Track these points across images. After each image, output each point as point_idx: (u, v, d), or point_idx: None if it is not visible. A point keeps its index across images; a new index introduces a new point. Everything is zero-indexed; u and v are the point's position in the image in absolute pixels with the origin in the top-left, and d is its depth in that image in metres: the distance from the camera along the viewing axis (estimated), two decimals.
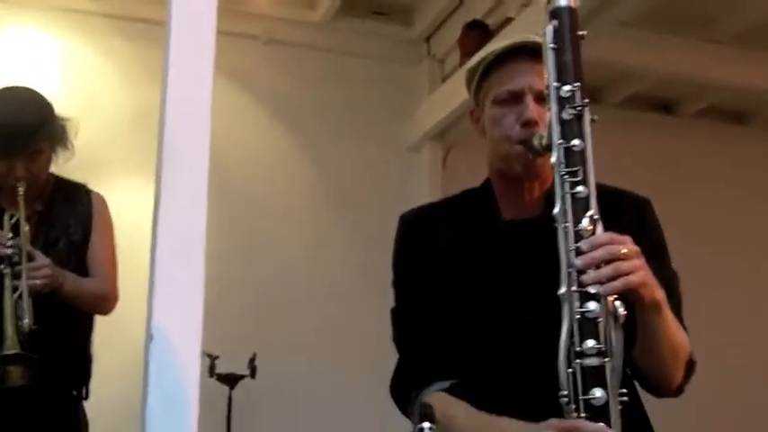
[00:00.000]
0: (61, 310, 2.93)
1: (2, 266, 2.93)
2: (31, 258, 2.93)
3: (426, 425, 1.46)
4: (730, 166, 7.17)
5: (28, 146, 2.99)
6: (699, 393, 2.11)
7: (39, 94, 3.08)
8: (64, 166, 3.21)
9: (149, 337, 1.96)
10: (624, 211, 2.04)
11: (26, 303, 2.88)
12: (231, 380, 5.28)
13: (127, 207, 3.34)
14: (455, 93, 5.98)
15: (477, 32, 5.88)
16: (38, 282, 2.89)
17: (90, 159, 3.24)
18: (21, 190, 2.97)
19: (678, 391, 2.02)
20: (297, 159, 6.35)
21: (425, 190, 6.23)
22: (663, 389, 2.00)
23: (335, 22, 6.41)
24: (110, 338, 3.34)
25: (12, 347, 2.88)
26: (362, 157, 6.44)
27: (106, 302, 3.13)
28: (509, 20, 5.60)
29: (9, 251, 2.92)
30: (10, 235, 2.96)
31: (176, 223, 2.02)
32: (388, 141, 6.55)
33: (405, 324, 2.16)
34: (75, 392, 3.09)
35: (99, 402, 3.21)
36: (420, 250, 2.17)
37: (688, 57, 6.03)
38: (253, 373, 5.36)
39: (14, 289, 2.90)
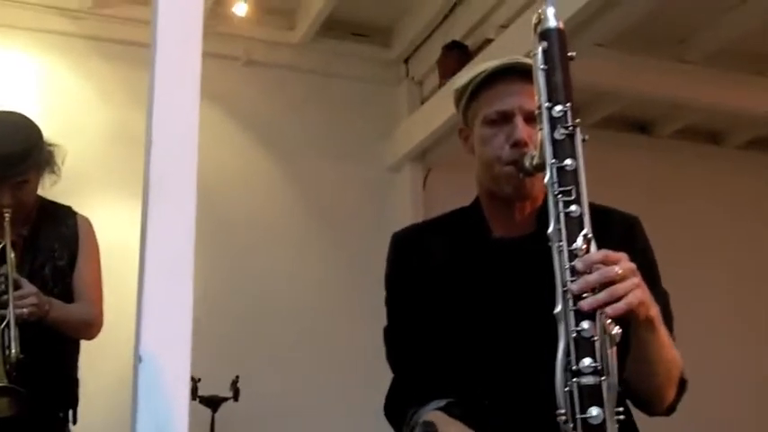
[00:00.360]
0: (47, 336, 2.92)
1: None
2: (17, 287, 2.91)
3: None
4: (707, 185, 7.24)
5: (15, 175, 2.98)
6: (685, 406, 2.11)
7: (28, 120, 3.08)
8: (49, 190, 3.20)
9: (138, 359, 1.96)
10: (613, 230, 2.05)
11: (13, 332, 2.87)
12: (214, 402, 5.23)
13: (107, 226, 3.33)
14: (434, 114, 6.01)
15: (457, 53, 5.90)
16: (25, 310, 2.89)
17: (69, 179, 3.22)
18: (7, 217, 2.96)
19: (670, 410, 2.03)
20: (278, 180, 6.35)
21: (407, 210, 6.25)
22: (655, 407, 2.00)
23: (315, 44, 6.41)
24: (95, 361, 3.31)
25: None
26: (343, 176, 6.45)
27: (91, 328, 3.13)
28: (488, 41, 5.62)
29: None
30: None
31: (164, 246, 2.01)
32: (368, 161, 6.56)
33: (398, 342, 2.17)
34: (62, 415, 3.06)
35: (87, 426, 3.18)
36: (412, 268, 2.18)
37: (663, 78, 6.07)
38: (236, 396, 5.31)
39: (1, 318, 2.89)
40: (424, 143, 6.25)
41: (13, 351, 2.85)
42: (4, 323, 2.88)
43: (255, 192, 6.27)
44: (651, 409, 2.01)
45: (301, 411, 5.93)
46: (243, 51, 6.22)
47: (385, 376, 4.93)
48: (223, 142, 5.90)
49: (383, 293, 2.30)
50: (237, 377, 5.36)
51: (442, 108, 5.85)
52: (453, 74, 5.75)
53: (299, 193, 6.39)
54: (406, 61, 6.76)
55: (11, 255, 2.95)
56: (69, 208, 3.25)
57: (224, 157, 5.86)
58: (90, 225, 3.25)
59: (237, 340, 5.70)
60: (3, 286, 2.91)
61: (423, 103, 6.54)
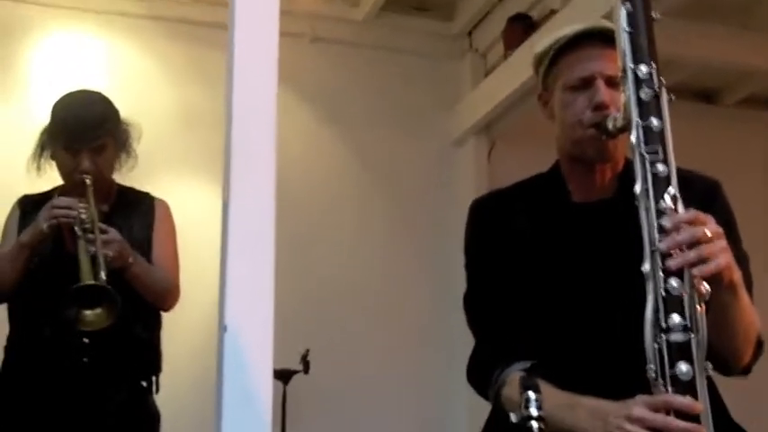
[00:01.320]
0: (130, 305, 2.97)
1: (76, 228, 2.97)
2: (103, 231, 2.98)
3: (531, 394, 1.48)
4: None
5: (93, 138, 3.05)
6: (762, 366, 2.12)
7: (105, 96, 3.16)
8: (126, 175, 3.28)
9: (223, 329, 2.00)
10: (695, 193, 2.04)
11: (101, 265, 2.91)
12: (285, 375, 5.31)
13: (177, 206, 3.38)
14: (499, 86, 6.00)
15: (521, 25, 5.89)
16: (110, 252, 2.94)
17: (139, 164, 3.28)
18: (88, 181, 3.03)
19: (746, 371, 2.04)
20: (343, 155, 6.39)
21: (471, 183, 6.25)
22: (732, 368, 2.00)
23: (378, 19, 6.43)
24: (175, 335, 3.38)
25: (90, 280, 2.91)
26: (408, 151, 6.47)
27: (170, 295, 3.18)
28: (553, 12, 5.60)
29: (83, 215, 2.97)
30: (83, 203, 3.01)
31: (247, 217, 2.06)
32: (432, 136, 6.57)
33: (481, 307, 2.18)
34: (144, 384, 3.13)
35: (170, 396, 3.25)
36: (493, 234, 2.19)
37: (727, 46, 6.00)
38: (306, 369, 5.39)
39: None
40: (489, 116, 6.24)
41: (102, 274, 2.90)
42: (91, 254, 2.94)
43: (321, 167, 6.31)
44: (728, 369, 2.00)
45: (371, 383, 5.98)
46: (309, 29, 6.26)
47: (454, 348, 4.95)
48: (289, 119, 5.93)
49: (449, 267, 2.32)
50: (308, 350, 5.43)
51: (506, 80, 5.85)
52: (518, 46, 5.75)
53: (365, 168, 6.42)
54: (469, 34, 6.73)
55: (93, 202, 3.01)
56: (148, 193, 3.32)
57: (290, 134, 5.88)
58: (167, 207, 3.32)
59: (307, 314, 5.75)
60: (89, 225, 2.97)
61: (486, 75, 6.52)
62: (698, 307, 1.69)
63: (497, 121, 6.33)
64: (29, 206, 3.17)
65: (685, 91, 6.75)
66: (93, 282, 2.90)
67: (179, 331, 3.59)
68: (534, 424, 1.48)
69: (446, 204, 6.24)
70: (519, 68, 5.42)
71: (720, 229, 1.74)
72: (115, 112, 3.14)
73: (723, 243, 1.72)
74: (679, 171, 1.80)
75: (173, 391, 3.32)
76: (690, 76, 6.42)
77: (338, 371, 5.83)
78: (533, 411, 1.49)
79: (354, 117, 6.40)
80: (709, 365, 1.71)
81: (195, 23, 5.93)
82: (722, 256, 1.71)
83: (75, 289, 2.88)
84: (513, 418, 1.55)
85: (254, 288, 2.03)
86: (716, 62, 6.22)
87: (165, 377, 3.20)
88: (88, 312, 2.91)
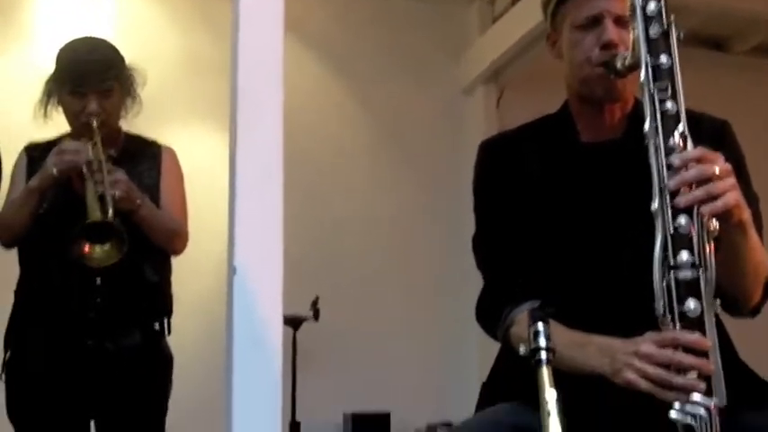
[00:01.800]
0: (140, 249, 2.98)
1: (84, 169, 2.97)
2: (110, 172, 2.99)
3: (541, 326, 1.49)
4: None
5: (100, 81, 3.04)
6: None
7: (109, 42, 3.16)
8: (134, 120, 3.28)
9: (232, 271, 2.01)
10: (704, 133, 2.04)
11: (109, 203, 2.91)
12: (295, 322, 5.35)
13: (183, 154, 3.38)
14: (507, 33, 5.97)
15: None
16: (117, 192, 2.95)
17: (144, 106, 3.28)
18: (95, 123, 3.03)
19: (755, 312, 2.03)
20: (350, 104, 6.37)
21: (480, 131, 6.20)
22: (741, 308, 2.00)
23: None
24: (184, 280, 3.39)
25: (97, 217, 2.91)
26: (416, 100, 6.45)
27: (178, 238, 3.19)
28: None
29: (90, 155, 2.98)
30: (90, 144, 3.01)
31: (255, 160, 2.06)
32: (440, 84, 6.55)
33: (490, 247, 2.18)
34: (157, 326, 3.15)
35: (181, 339, 3.27)
36: (502, 174, 2.19)
37: None
38: (316, 315, 5.43)
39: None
40: (497, 63, 6.22)
41: (110, 213, 2.90)
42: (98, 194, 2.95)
43: (328, 116, 6.30)
44: (736, 310, 2.00)
45: (381, 330, 6.02)
46: None
47: (465, 293, 4.98)
48: (294, 66, 5.89)
49: (458, 214, 2.32)
50: (318, 297, 5.46)
51: (514, 27, 5.82)
52: None
53: (372, 117, 6.41)
54: None
55: (100, 144, 3.01)
56: (155, 141, 3.32)
57: (296, 82, 5.85)
58: (174, 154, 3.32)
59: (317, 262, 5.78)
60: (97, 166, 2.97)
61: (494, 22, 6.48)
62: (707, 244, 1.69)
63: (506, 68, 6.31)
64: (36, 153, 3.18)
65: (696, 39, 6.71)
66: (100, 218, 2.91)
67: (189, 277, 3.60)
68: (543, 354, 1.48)
69: (455, 152, 6.23)
70: (527, 15, 5.39)
71: (729, 167, 1.74)
72: (120, 58, 3.14)
73: (732, 180, 1.72)
74: (688, 111, 1.80)
75: (185, 334, 3.35)
76: (700, 24, 6.38)
77: (348, 318, 5.87)
78: (542, 342, 1.49)
79: (362, 65, 6.38)
80: (718, 302, 1.72)
81: None
82: (731, 194, 1.71)
83: (82, 226, 2.89)
84: (522, 349, 1.55)
85: (263, 229, 2.04)
86: (727, 9, 6.17)
87: (176, 323, 3.22)
88: (96, 249, 2.93)
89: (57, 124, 3.21)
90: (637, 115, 2.04)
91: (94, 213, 2.91)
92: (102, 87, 3.06)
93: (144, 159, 3.23)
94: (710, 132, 2.09)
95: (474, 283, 2.26)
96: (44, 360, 3.01)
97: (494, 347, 2.19)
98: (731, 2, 6.02)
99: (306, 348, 5.45)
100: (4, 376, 3.08)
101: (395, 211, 6.28)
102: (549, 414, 1.43)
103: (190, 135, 5.57)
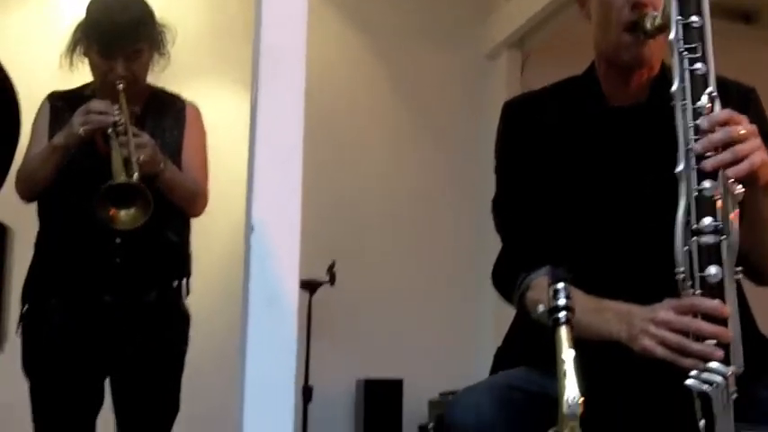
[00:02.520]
0: (160, 209, 2.97)
1: (110, 131, 2.96)
2: (135, 135, 2.97)
3: (561, 285, 1.46)
4: None
5: (129, 45, 3.02)
6: None
7: None
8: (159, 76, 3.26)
9: (249, 229, 2.00)
10: (730, 99, 2.00)
11: (134, 166, 2.91)
12: (312, 286, 5.35)
13: (205, 112, 3.37)
14: None
15: None
16: (142, 155, 2.93)
17: (169, 68, 3.27)
18: (121, 86, 3.01)
19: None
20: (374, 68, 6.34)
21: (503, 97, 6.06)
22: (764, 275, 1.98)
23: None
24: (203, 238, 3.39)
25: (123, 179, 2.91)
26: (441, 65, 6.41)
27: (199, 199, 3.18)
28: None
29: (117, 117, 2.96)
30: (116, 106, 2.99)
31: (275, 118, 2.05)
32: (464, 49, 6.49)
33: (510, 210, 2.16)
34: (176, 284, 3.15)
35: (199, 298, 3.27)
36: (524, 135, 2.16)
37: None
38: (332, 280, 5.43)
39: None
40: (522, 29, 6.16)
41: (135, 175, 2.90)
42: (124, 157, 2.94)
43: (351, 77, 6.27)
44: (761, 277, 1.98)
45: (397, 296, 6.02)
46: None
47: (482, 260, 4.95)
48: (317, 31, 5.84)
49: (479, 180, 2.29)
50: (334, 262, 5.46)
51: None
52: None
53: (397, 81, 6.37)
54: None
55: (125, 108, 3.00)
56: (179, 96, 3.30)
57: (318, 46, 5.81)
58: (198, 111, 3.30)
59: (334, 226, 5.76)
60: (122, 128, 2.96)
61: None
62: (731, 210, 1.66)
63: (531, 34, 6.25)
64: (59, 102, 3.16)
65: (723, 11, 6.63)
66: (126, 180, 2.90)
67: (208, 236, 3.60)
68: (563, 314, 1.46)
69: (478, 118, 6.19)
70: None
71: (755, 128, 1.71)
72: (151, 15, 3.11)
73: (758, 141, 1.69)
74: (716, 76, 1.76)
75: (202, 294, 3.36)
76: None
77: (364, 284, 5.86)
78: (562, 301, 1.47)
79: (385, 28, 6.33)
80: (740, 269, 1.69)
81: None
82: (757, 155, 1.68)
83: (107, 187, 2.88)
84: (540, 308, 1.53)
85: (282, 187, 2.02)
86: None
87: (194, 282, 3.22)
88: (122, 212, 2.92)
89: (81, 72, 3.19)
90: (663, 80, 2.01)
91: (120, 176, 2.91)
92: (131, 49, 3.04)
93: (168, 115, 3.21)
94: (736, 98, 2.05)
95: (490, 250, 2.24)
96: (61, 315, 3.01)
97: (509, 315, 2.17)
98: None
99: (321, 313, 5.46)
100: (20, 329, 3.09)
101: (414, 176, 6.25)
102: (565, 374, 1.41)
103: (213, 93, 5.53)
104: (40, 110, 3.18)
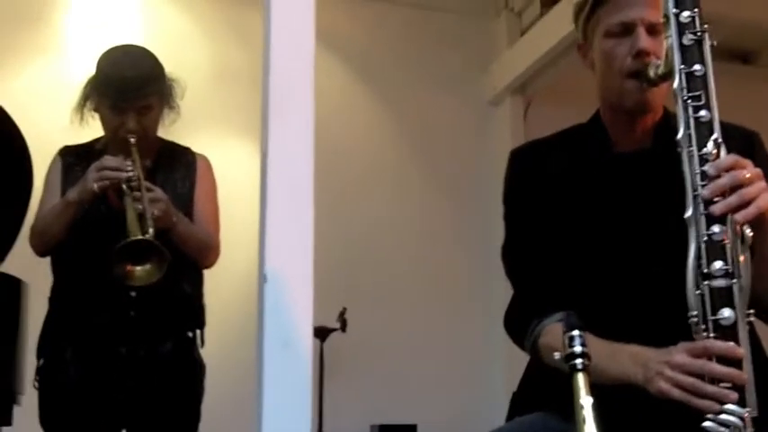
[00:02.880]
0: (174, 261, 2.99)
1: (123, 186, 2.99)
2: (149, 190, 3.00)
3: (576, 332, 1.48)
4: None
5: (139, 101, 3.06)
6: None
7: (150, 52, 3.15)
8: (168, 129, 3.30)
9: (263, 279, 2.02)
10: (734, 144, 2.03)
11: (149, 221, 2.92)
12: (323, 333, 5.35)
13: (214, 163, 3.40)
14: (535, 44, 5.98)
15: None
16: (155, 211, 2.96)
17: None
18: (132, 140, 3.05)
19: None
20: (378, 114, 6.39)
21: (507, 142, 6.20)
22: None
23: None
24: (216, 288, 3.41)
25: (138, 235, 2.92)
26: (444, 111, 6.47)
27: (211, 251, 3.20)
28: None
29: (130, 173, 2.99)
30: (129, 162, 3.03)
31: (285, 168, 2.08)
32: (468, 95, 6.56)
33: (520, 257, 2.18)
34: (191, 335, 3.16)
35: (214, 349, 3.29)
36: (532, 182, 2.19)
37: (766, 6, 5.92)
38: (343, 327, 5.43)
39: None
40: (525, 75, 6.23)
41: (151, 231, 2.92)
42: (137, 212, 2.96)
43: (355, 125, 6.32)
44: None
45: (408, 341, 6.01)
46: None
47: (491, 306, 4.96)
48: (324, 77, 5.90)
49: (486, 225, 2.31)
50: (345, 309, 5.46)
51: (542, 38, 5.82)
52: (554, 3, 5.71)
53: (400, 127, 6.42)
54: None
55: (138, 162, 3.03)
56: (189, 149, 3.34)
57: (324, 92, 5.84)
58: (208, 163, 3.33)
59: (344, 273, 5.78)
60: (135, 184, 2.99)
61: (522, 34, 6.49)
62: (740, 253, 1.69)
63: (533, 80, 6.32)
64: (71, 157, 3.20)
65: (723, 51, 6.69)
66: (141, 237, 2.92)
67: (220, 286, 3.62)
68: (579, 361, 1.48)
69: (483, 164, 6.24)
70: (554, 27, 5.39)
71: (760, 171, 1.74)
72: (161, 70, 3.15)
73: (763, 184, 1.73)
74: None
75: (216, 343, 3.37)
76: (727, 37, 6.34)
77: (375, 329, 5.87)
78: (578, 348, 1.49)
79: (390, 76, 6.40)
80: (752, 311, 1.71)
81: None
82: (763, 197, 1.71)
83: (124, 245, 2.90)
84: (557, 356, 1.55)
85: (294, 238, 2.05)
86: (754, 23, 6.15)
87: (208, 330, 3.24)
88: (138, 268, 2.94)
89: (91, 127, 3.23)
90: (666, 124, 2.05)
91: (135, 232, 2.93)
92: (142, 104, 3.08)
93: (179, 167, 3.24)
94: (740, 143, 2.07)
95: (502, 293, 2.26)
96: (76, 368, 3.03)
97: (522, 360, 2.19)
98: (758, 15, 5.99)
99: (333, 359, 5.45)
100: (37, 384, 3.10)
101: (422, 221, 6.28)
102: (584, 420, 1.43)
103: (221, 144, 5.58)
104: (51, 165, 3.21)
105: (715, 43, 1.79)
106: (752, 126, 2.19)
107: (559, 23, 5.28)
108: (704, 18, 1.80)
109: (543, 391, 2.02)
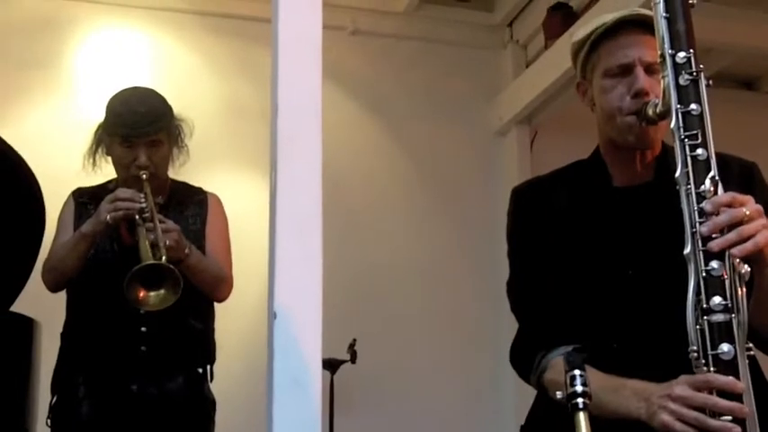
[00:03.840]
0: (186, 296, 3.03)
1: (137, 217, 3.04)
2: (161, 221, 3.05)
3: (578, 372, 1.52)
4: None
5: (149, 134, 3.12)
6: None
7: (158, 92, 3.23)
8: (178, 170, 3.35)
9: (272, 315, 2.05)
10: (732, 175, 2.07)
11: (162, 250, 2.98)
12: (333, 365, 5.35)
13: (224, 199, 3.45)
14: (540, 76, 6.01)
15: (562, 15, 5.88)
16: (168, 240, 3.00)
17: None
18: (144, 175, 3.10)
19: None
20: (386, 146, 6.42)
21: (514, 173, 6.26)
22: None
23: (419, 11, 6.46)
24: (227, 324, 3.44)
25: (151, 260, 2.97)
26: (450, 142, 6.49)
27: (224, 285, 3.24)
28: (593, 1, 5.60)
29: (143, 204, 3.04)
30: (142, 195, 3.08)
31: (294, 206, 2.10)
32: (475, 127, 6.59)
33: (524, 292, 2.22)
34: (200, 371, 3.20)
35: (224, 384, 3.32)
36: (534, 220, 2.23)
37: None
38: (353, 358, 5.42)
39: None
40: (531, 106, 6.25)
41: (164, 258, 2.97)
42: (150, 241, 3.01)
43: (363, 159, 6.35)
44: None
45: (418, 373, 6.00)
46: (349, 21, 6.29)
47: (501, 337, 4.97)
48: (330, 110, 5.91)
49: (494, 255, 2.34)
50: (355, 340, 5.47)
51: (547, 70, 5.86)
52: (558, 35, 5.76)
53: (407, 159, 6.45)
54: (509, 25, 6.74)
55: (150, 195, 3.08)
56: (200, 188, 3.39)
57: (331, 126, 5.87)
58: (219, 200, 3.39)
59: (353, 304, 5.78)
60: (148, 215, 3.04)
61: (527, 66, 6.54)
62: (738, 288, 1.72)
63: (539, 110, 6.35)
64: (84, 198, 3.26)
65: (726, 78, 6.73)
66: (154, 261, 2.96)
67: (231, 321, 3.66)
68: (580, 400, 1.51)
69: (490, 194, 6.26)
70: (559, 58, 5.43)
71: (760, 207, 1.78)
72: (169, 109, 3.22)
73: (762, 221, 1.76)
74: (717, 154, 1.84)
75: (227, 378, 3.40)
76: (730, 64, 6.39)
77: (385, 361, 5.86)
78: (579, 388, 1.52)
79: (397, 109, 6.43)
80: (751, 345, 1.74)
81: (239, 18, 5.98)
82: (761, 234, 1.74)
83: (137, 269, 2.94)
84: (559, 395, 1.58)
85: (303, 273, 2.07)
86: (756, 50, 6.18)
87: (218, 365, 3.27)
88: (152, 293, 2.99)
89: (104, 173, 3.29)
90: (666, 158, 2.09)
91: (148, 258, 2.97)
92: (151, 138, 3.13)
93: (190, 206, 3.29)
94: (739, 174, 2.12)
95: (510, 325, 2.29)
96: (89, 405, 3.06)
97: (530, 392, 2.22)
98: (761, 43, 6.02)
99: (343, 391, 5.45)
100: (49, 422, 3.13)
101: (430, 252, 6.29)
102: None
103: (232, 179, 5.63)
104: (65, 206, 3.27)
105: (711, 83, 1.83)
106: (756, 151, 2.23)
107: (563, 56, 5.26)
108: (702, 53, 1.83)
109: (550, 425, 2.04)
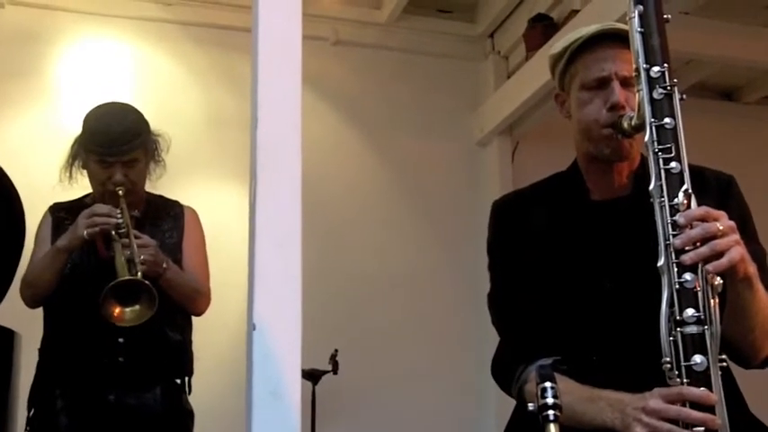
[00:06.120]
0: (163, 309, 3.03)
1: (113, 233, 3.04)
2: (137, 237, 3.06)
3: (548, 384, 1.53)
4: None
5: (126, 153, 3.12)
6: None
7: (135, 108, 3.23)
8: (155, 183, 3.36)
9: (251, 327, 2.05)
10: (709, 188, 2.10)
11: (137, 265, 2.98)
12: (314, 376, 5.35)
13: (204, 209, 3.45)
14: (521, 87, 6.03)
15: (542, 26, 5.91)
16: (144, 256, 3.01)
17: (166, 164, 3.37)
18: (121, 192, 3.10)
19: (765, 363, 2.07)
20: (367, 157, 6.42)
21: (495, 183, 6.29)
22: (750, 360, 2.04)
23: (401, 22, 6.48)
24: (205, 337, 3.44)
25: (126, 276, 2.97)
26: (432, 152, 6.51)
27: (202, 298, 3.24)
28: (574, 12, 5.62)
29: (119, 219, 3.05)
30: (118, 210, 3.08)
31: (273, 217, 2.11)
32: (456, 137, 6.60)
33: (504, 305, 2.23)
34: (179, 382, 3.19)
35: (202, 397, 3.32)
36: (514, 234, 2.24)
37: (749, 44, 5.97)
38: (335, 369, 5.42)
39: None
40: (512, 117, 6.27)
41: (140, 274, 2.97)
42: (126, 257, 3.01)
43: (345, 169, 6.35)
44: (746, 362, 2.05)
45: (400, 383, 6.00)
46: (331, 32, 6.31)
47: (483, 347, 4.97)
48: (312, 121, 5.96)
49: (476, 266, 2.36)
50: (336, 351, 5.46)
51: (528, 81, 5.88)
52: (539, 47, 5.77)
53: (389, 169, 6.45)
54: (491, 36, 6.76)
55: (126, 211, 3.08)
56: (176, 201, 3.40)
57: (313, 136, 5.91)
58: (196, 214, 3.40)
59: (335, 315, 5.79)
60: (124, 231, 3.05)
61: (509, 77, 6.56)
62: (711, 300, 1.74)
63: (521, 121, 6.37)
64: (61, 213, 3.26)
65: (707, 89, 6.77)
66: (130, 277, 2.96)
67: (211, 333, 3.65)
68: (550, 412, 1.53)
69: (471, 204, 6.27)
70: (541, 69, 5.42)
71: (733, 224, 1.79)
72: (146, 125, 3.22)
73: (735, 237, 1.77)
74: (694, 167, 1.86)
75: (205, 390, 3.39)
76: (711, 75, 6.42)
77: (367, 371, 5.86)
78: (549, 400, 1.54)
79: (378, 119, 6.44)
80: (723, 357, 1.76)
81: (220, 28, 5.98)
82: (735, 250, 1.76)
83: (112, 286, 2.95)
84: (531, 407, 1.59)
85: (283, 285, 2.07)
86: (737, 61, 6.21)
87: (197, 377, 3.27)
88: (127, 309, 2.99)
89: (80, 186, 3.28)
90: (644, 172, 2.10)
91: (124, 273, 2.98)
92: (127, 158, 3.13)
93: (166, 219, 3.30)
94: (716, 188, 2.15)
95: (492, 336, 2.30)
96: (67, 417, 3.05)
97: (512, 403, 2.23)
98: (741, 54, 6.05)
99: (325, 402, 5.45)
100: None
101: (412, 263, 6.30)
102: None
103: (211, 190, 5.63)
104: (42, 221, 3.27)
105: (684, 97, 1.85)
106: (736, 161, 2.25)
107: (544, 67, 5.24)
108: (680, 66, 1.85)
109: None
